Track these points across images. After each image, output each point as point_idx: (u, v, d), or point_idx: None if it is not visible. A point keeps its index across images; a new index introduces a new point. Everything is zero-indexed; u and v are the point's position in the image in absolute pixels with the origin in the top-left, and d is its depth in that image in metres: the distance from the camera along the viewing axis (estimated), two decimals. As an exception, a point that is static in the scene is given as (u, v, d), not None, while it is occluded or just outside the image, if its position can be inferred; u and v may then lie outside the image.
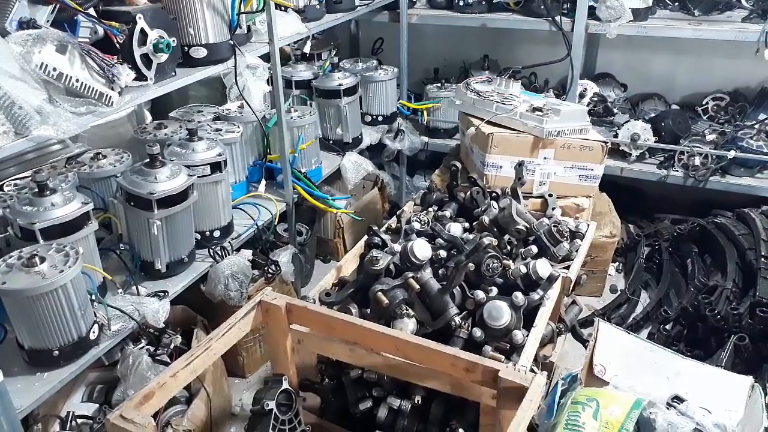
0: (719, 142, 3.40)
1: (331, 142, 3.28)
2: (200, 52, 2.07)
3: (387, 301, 1.54)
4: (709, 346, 2.66)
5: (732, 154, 3.28)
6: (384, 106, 3.64)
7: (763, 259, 2.58)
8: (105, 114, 1.71)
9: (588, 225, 2.21)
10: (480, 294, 1.62)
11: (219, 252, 2.32)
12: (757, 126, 3.48)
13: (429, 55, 4.43)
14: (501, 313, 1.56)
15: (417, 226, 1.88)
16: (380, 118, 3.67)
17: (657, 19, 3.32)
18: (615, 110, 3.75)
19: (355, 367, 1.68)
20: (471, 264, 1.68)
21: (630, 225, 3.81)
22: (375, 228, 1.90)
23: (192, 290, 2.34)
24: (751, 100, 3.71)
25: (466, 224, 2.23)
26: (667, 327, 2.76)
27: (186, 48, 2.07)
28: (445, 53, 4.42)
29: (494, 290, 1.72)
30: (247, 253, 2.44)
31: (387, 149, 3.80)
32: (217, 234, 2.38)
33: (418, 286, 1.58)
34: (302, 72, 3.28)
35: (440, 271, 1.79)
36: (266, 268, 2.60)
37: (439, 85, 3.96)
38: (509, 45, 4.21)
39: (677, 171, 3.47)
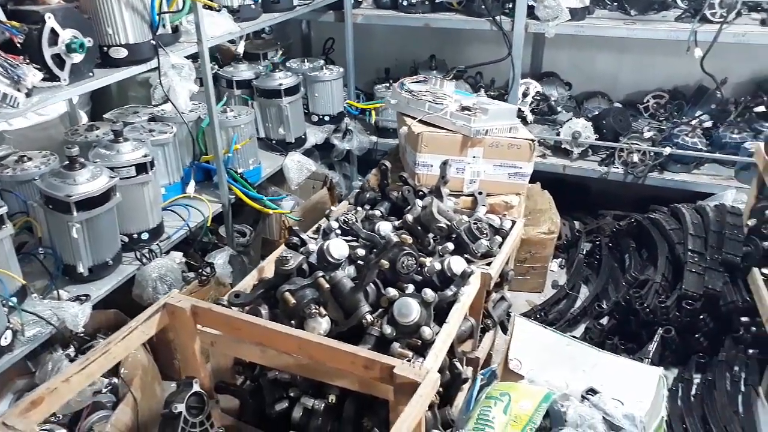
0: (657, 139, 3.48)
1: (273, 142, 3.27)
2: (120, 53, 2.05)
3: (294, 301, 1.54)
4: (641, 340, 2.72)
5: (667, 150, 3.36)
6: (330, 106, 3.64)
7: (689, 253, 2.64)
8: (11, 115, 1.68)
9: (513, 222, 2.23)
10: (392, 291, 1.63)
11: (146, 254, 2.30)
12: (693, 123, 3.58)
13: (380, 55, 4.45)
14: (410, 309, 1.57)
15: (335, 224, 1.88)
16: (327, 118, 3.67)
17: (594, 18, 3.38)
18: (558, 109, 3.81)
19: (273, 368, 1.68)
20: (385, 262, 1.69)
21: (576, 221, 3.87)
22: (296, 228, 1.90)
23: (125, 294, 2.31)
24: (689, 98, 3.80)
25: (396, 223, 2.24)
26: (602, 321, 2.81)
27: (105, 48, 2.04)
28: (396, 53, 4.44)
29: (410, 288, 1.73)
30: (178, 255, 2.41)
31: (336, 149, 3.79)
32: (145, 236, 2.36)
33: (327, 285, 1.59)
34: (244, 72, 3.26)
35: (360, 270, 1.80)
36: (200, 270, 2.58)
37: (388, 85, 3.97)
38: (456, 45, 4.25)
39: (617, 168, 3.54)
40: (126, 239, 2.30)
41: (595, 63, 4.10)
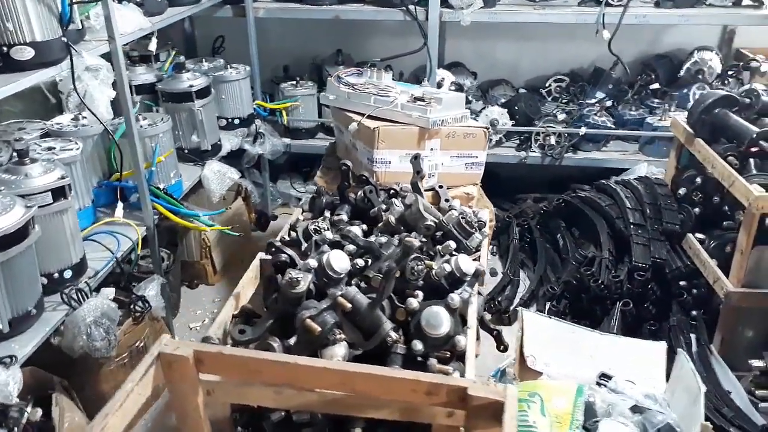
0: (569, 120, 3.60)
1: (186, 151, 2.91)
2: (26, 53, 1.66)
3: (319, 329, 1.32)
4: (594, 316, 2.78)
5: (583, 130, 3.49)
6: (240, 108, 3.34)
7: (632, 227, 2.73)
8: None
9: (486, 213, 2.15)
10: (413, 302, 1.46)
11: (74, 296, 1.91)
12: (597, 104, 3.76)
13: (275, 52, 4.16)
14: (440, 319, 1.41)
15: (328, 235, 1.67)
16: (236, 121, 3.36)
17: (503, 5, 3.41)
18: (470, 98, 3.81)
19: (276, 409, 1.43)
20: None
21: (495, 208, 3.92)
22: (277, 243, 1.65)
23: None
24: (587, 79, 3.98)
25: (364, 226, 2.06)
26: (555, 303, 2.83)
27: (5, 48, 1.65)
28: (293, 49, 4.20)
29: (420, 294, 1.58)
30: (110, 292, 2.04)
31: (247, 154, 3.49)
32: (68, 274, 1.96)
33: (349, 305, 1.38)
34: (143, 75, 2.88)
35: (356, 282, 1.61)
36: (132, 306, 2.22)
37: (295, 83, 3.74)
38: (360, 37, 4.11)
39: (535, 151, 3.62)
40: (45, 280, 1.90)
41: (497, 51, 4.17)
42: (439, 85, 3.66)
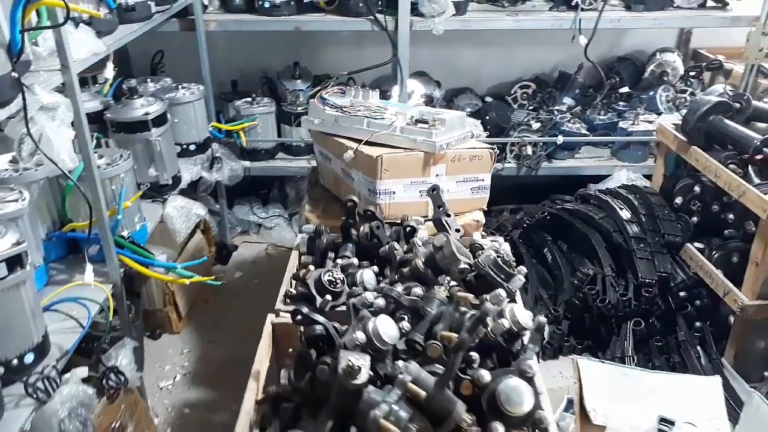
0: (543, 129, 3.49)
1: (143, 186, 2.55)
2: (-34, 94, 1.31)
3: (397, 431, 1.07)
4: (598, 336, 2.67)
5: (560, 139, 3.38)
6: (195, 133, 2.99)
7: (633, 240, 2.63)
8: None
9: (505, 242, 1.97)
10: (484, 375, 1.23)
11: (41, 386, 1.55)
12: (567, 110, 3.68)
13: (219, 66, 3.82)
14: (522, 395, 1.20)
15: (369, 296, 1.41)
16: (192, 147, 3.01)
17: (474, 12, 3.24)
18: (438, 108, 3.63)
19: None
20: (453, 334, 1.29)
21: (469, 222, 3.76)
22: (304, 310, 1.38)
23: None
24: (554, 85, 3.90)
25: (375, 268, 1.83)
26: (558, 327, 2.69)
27: (-62, 90, 1.29)
28: (240, 63, 3.87)
29: (476, 357, 1.36)
30: (81, 373, 1.69)
31: (203, 182, 3.15)
32: (29, 359, 1.60)
33: (423, 393, 1.14)
34: (87, 102, 2.48)
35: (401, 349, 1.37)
36: (105, 382, 1.87)
37: (250, 100, 3.43)
38: (314, 48, 3.84)
39: (510, 162, 3.48)
40: (2, 369, 1.53)
41: (458, 58, 4.01)
42: (409, 97, 3.46)
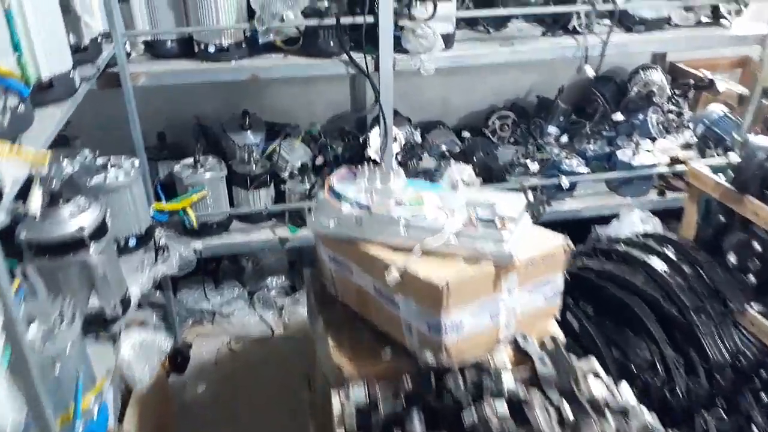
0: (542, 169, 3.07)
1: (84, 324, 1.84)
2: None
3: None
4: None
5: (566, 182, 2.98)
6: (136, 223, 2.30)
7: (692, 314, 2.25)
8: None
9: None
10: None
11: None
12: (555, 142, 3.29)
13: (139, 113, 3.09)
14: None
15: None
16: (133, 242, 2.31)
17: (461, 42, 2.73)
18: (420, 153, 3.11)
19: None
20: None
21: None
22: None
23: None
24: (534, 113, 3.50)
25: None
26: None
27: None
28: (164, 108, 3.14)
29: None
30: None
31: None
32: None
33: None
34: (-14, 217, 1.74)
35: None
36: None
37: (192, 162, 2.74)
38: (257, 91, 3.19)
39: (507, 210, 3.03)
40: None
41: (422, 89, 3.51)
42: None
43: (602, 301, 2.57)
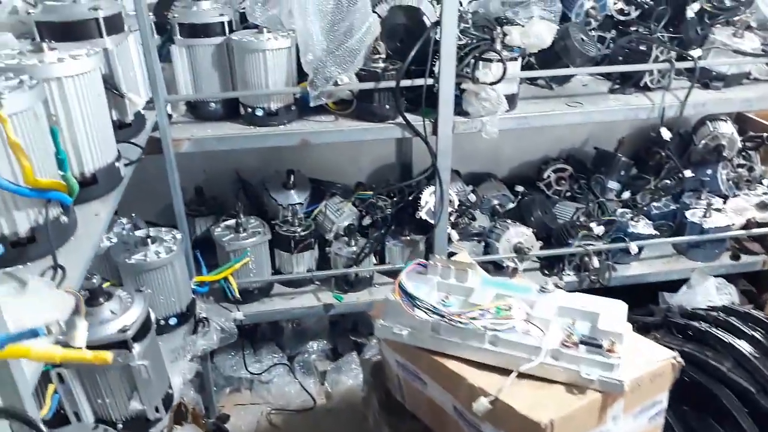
0: (607, 232, 2.84)
1: (120, 427, 1.67)
2: None
3: None
4: None
5: (634, 248, 2.74)
6: (176, 301, 2.14)
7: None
8: None
9: None
10: None
11: None
12: (617, 199, 3.08)
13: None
14: None
15: None
16: (173, 321, 2.15)
17: (524, 101, 2.54)
18: (474, 213, 2.91)
19: None
20: None
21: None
22: None
23: None
24: (593, 166, 3.28)
25: None
26: None
27: None
28: (204, 164, 3.00)
29: None
30: None
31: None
32: None
33: None
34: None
35: None
36: None
37: (234, 225, 2.57)
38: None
39: (569, 274, 2.82)
40: None
41: (473, 139, 3.30)
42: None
43: (682, 387, 2.33)
